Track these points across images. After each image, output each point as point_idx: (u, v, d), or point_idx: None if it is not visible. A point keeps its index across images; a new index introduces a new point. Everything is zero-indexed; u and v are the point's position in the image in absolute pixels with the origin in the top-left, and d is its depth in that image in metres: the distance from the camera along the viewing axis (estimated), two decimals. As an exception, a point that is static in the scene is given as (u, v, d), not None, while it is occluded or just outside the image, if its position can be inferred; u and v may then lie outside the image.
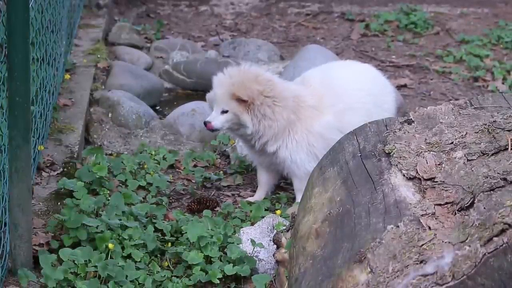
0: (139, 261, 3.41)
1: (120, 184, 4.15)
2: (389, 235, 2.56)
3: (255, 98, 3.86)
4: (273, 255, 3.31)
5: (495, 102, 3.10)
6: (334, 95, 4.03)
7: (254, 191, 4.27)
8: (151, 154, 4.55)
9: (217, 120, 3.91)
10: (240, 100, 3.86)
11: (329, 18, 7.52)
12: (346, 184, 2.94)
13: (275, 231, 3.49)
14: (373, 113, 4.01)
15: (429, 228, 2.55)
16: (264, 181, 4.20)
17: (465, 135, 2.91)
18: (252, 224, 3.75)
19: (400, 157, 2.90)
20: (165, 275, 3.35)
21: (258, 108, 3.87)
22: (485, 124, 2.92)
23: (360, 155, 3.02)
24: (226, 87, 3.87)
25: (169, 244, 3.57)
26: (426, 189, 2.73)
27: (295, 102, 3.96)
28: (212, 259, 3.44)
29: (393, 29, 7.18)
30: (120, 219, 3.59)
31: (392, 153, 2.94)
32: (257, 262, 3.43)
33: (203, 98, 5.49)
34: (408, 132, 3.02)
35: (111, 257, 3.35)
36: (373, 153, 2.99)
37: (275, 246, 3.33)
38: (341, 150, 3.13)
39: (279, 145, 3.98)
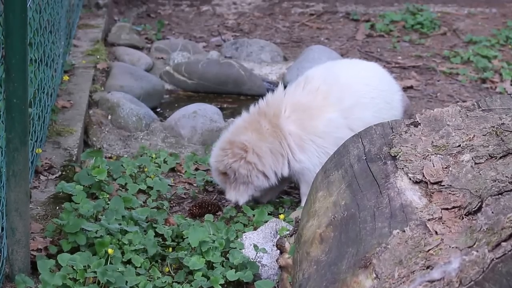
0: (140, 267, 3.38)
1: (120, 188, 4.12)
2: (395, 240, 2.53)
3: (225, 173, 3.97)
4: (276, 261, 3.28)
5: (503, 104, 3.06)
6: (341, 92, 3.96)
7: (257, 195, 4.22)
8: (152, 157, 4.52)
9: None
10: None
11: (334, 18, 7.49)
12: (351, 187, 2.91)
13: (279, 236, 3.46)
14: (382, 108, 3.97)
15: (436, 233, 2.52)
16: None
17: (472, 137, 2.88)
18: (255, 228, 3.72)
19: (406, 160, 2.87)
20: (166, 281, 3.32)
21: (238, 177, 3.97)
22: (493, 127, 2.89)
23: (365, 158, 2.99)
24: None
25: (170, 249, 3.55)
26: (432, 193, 2.70)
27: (270, 128, 3.91)
28: (214, 264, 3.41)
29: (399, 29, 7.14)
30: (120, 224, 3.56)
31: (398, 156, 2.91)
32: (260, 267, 3.40)
33: (204, 100, 5.47)
34: (415, 134, 2.99)
35: (110, 263, 3.32)
36: (378, 156, 2.96)
37: (278, 251, 3.30)
38: (346, 153, 3.10)
39: (287, 165, 3.95)
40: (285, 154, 3.93)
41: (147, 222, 3.71)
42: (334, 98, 3.94)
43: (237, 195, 3.98)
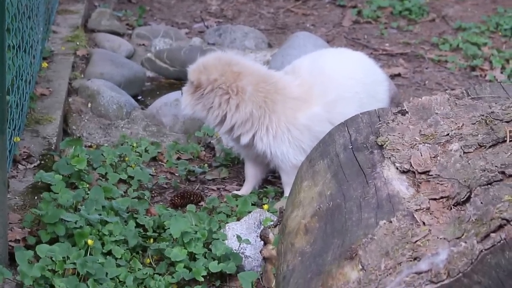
0: (120, 258, 3.35)
1: (100, 178, 4.08)
2: (381, 230, 2.51)
3: (202, 84, 3.87)
4: (260, 252, 3.27)
5: (493, 92, 3.06)
6: (324, 85, 3.94)
7: (241, 185, 4.20)
8: (133, 146, 4.47)
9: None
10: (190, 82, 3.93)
11: (320, 4, 7.44)
12: (336, 177, 2.89)
13: (262, 226, 3.44)
14: (366, 103, 3.94)
15: (424, 223, 2.50)
16: (252, 174, 4.13)
17: (461, 126, 2.86)
18: (238, 219, 3.69)
19: (393, 150, 2.85)
20: (147, 273, 3.30)
21: (206, 95, 3.88)
22: (483, 115, 2.87)
23: (352, 147, 2.97)
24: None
25: (151, 240, 3.51)
26: (420, 183, 2.68)
27: (266, 95, 3.88)
28: (196, 256, 3.38)
29: (387, 15, 7.10)
30: (100, 214, 3.52)
31: (385, 145, 2.88)
32: (243, 259, 3.38)
33: (187, 87, 5.40)
34: (402, 123, 2.97)
35: (90, 254, 3.29)
36: (365, 145, 2.94)
37: (262, 242, 3.28)
38: (332, 142, 3.08)
39: (252, 138, 3.92)
40: (256, 127, 3.90)
41: (127, 213, 3.67)
42: (318, 90, 3.93)
43: (189, 106, 3.95)
